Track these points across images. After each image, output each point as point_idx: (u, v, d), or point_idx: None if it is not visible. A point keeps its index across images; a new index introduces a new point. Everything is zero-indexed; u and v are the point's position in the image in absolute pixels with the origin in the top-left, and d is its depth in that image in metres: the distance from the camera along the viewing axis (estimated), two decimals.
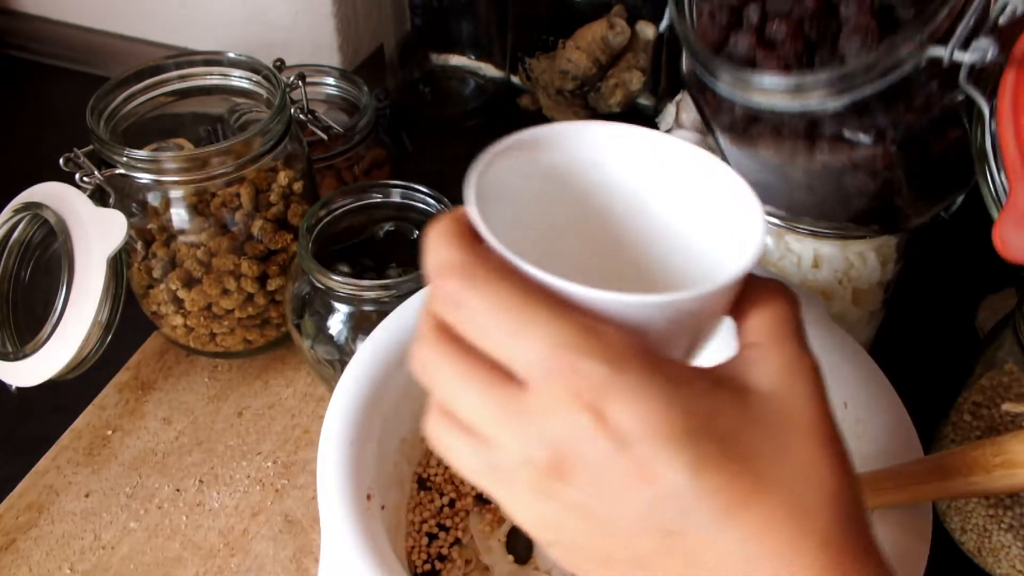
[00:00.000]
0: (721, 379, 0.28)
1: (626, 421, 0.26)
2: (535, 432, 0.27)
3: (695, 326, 0.30)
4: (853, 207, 0.45)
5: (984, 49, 0.30)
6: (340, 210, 0.58)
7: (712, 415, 0.26)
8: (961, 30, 0.30)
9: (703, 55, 0.38)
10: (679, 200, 0.34)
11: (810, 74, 0.35)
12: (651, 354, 0.26)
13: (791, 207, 0.48)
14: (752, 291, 0.30)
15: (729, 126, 0.41)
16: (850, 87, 0.34)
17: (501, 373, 0.27)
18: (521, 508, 0.28)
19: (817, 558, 0.26)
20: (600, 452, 0.26)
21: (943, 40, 0.31)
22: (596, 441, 0.26)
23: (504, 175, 0.32)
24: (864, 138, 0.36)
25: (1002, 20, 0.30)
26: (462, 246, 0.28)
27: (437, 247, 0.28)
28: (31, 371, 0.54)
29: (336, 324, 0.55)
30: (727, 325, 0.31)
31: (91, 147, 0.55)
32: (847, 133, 0.37)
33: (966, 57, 0.31)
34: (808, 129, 0.38)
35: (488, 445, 0.28)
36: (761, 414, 0.27)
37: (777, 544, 0.26)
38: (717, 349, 0.32)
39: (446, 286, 0.28)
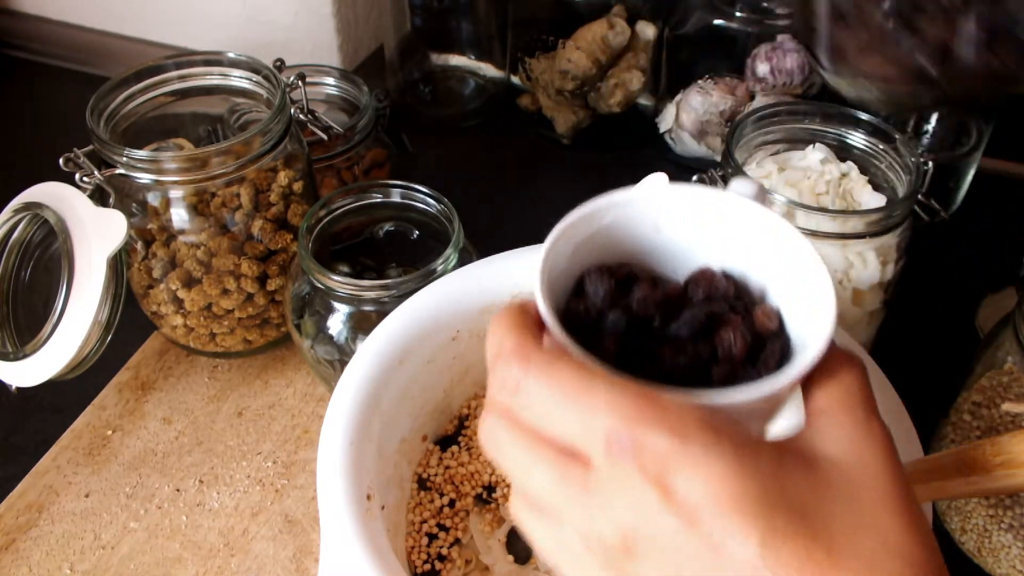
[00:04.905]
0: (788, 448, 0.27)
1: (694, 493, 0.25)
2: (603, 510, 0.26)
3: (761, 413, 0.30)
4: None
5: None
6: (340, 210, 0.58)
7: (781, 483, 0.26)
8: None
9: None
10: (739, 264, 0.34)
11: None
12: (712, 420, 0.26)
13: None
14: (820, 360, 0.29)
15: None
16: None
17: (567, 451, 0.27)
18: None
19: None
20: (669, 528, 0.25)
21: None
22: (664, 517, 0.25)
23: (564, 248, 0.32)
24: None
25: None
26: (519, 332, 0.28)
27: (495, 334, 0.29)
28: (31, 371, 0.54)
29: (336, 324, 0.55)
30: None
31: (91, 147, 0.55)
32: None
33: None
34: None
35: (559, 523, 0.28)
36: (833, 482, 0.26)
37: None
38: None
39: (503, 372, 0.28)
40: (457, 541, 0.49)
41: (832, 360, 0.29)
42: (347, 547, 0.38)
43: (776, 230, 0.32)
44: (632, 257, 0.34)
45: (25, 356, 0.54)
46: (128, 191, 0.56)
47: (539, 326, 0.29)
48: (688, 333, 0.31)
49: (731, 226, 0.33)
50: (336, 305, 0.54)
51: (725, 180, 0.54)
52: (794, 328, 0.32)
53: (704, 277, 0.33)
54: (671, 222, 0.34)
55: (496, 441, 0.28)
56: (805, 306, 0.31)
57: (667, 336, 0.31)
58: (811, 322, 0.30)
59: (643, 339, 0.31)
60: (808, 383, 0.29)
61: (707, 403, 0.27)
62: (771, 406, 0.30)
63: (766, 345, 0.31)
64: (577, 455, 0.27)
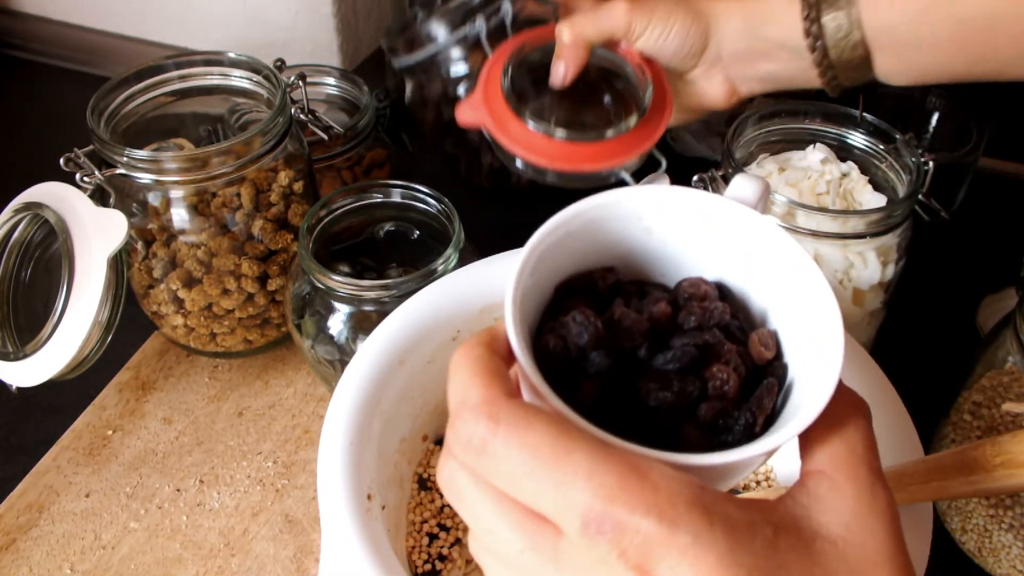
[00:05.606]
0: (784, 523, 0.25)
1: None
2: None
3: (753, 464, 0.28)
4: None
5: None
6: (340, 210, 0.58)
7: (776, 572, 0.24)
8: None
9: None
10: (738, 277, 0.32)
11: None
12: (704, 499, 0.23)
13: None
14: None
15: None
16: None
17: (536, 513, 0.25)
18: None
19: None
20: None
21: None
22: None
23: (532, 265, 0.29)
24: None
25: None
26: (486, 380, 0.25)
27: (458, 377, 0.26)
28: (31, 371, 0.54)
29: (336, 324, 0.55)
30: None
31: (91, 147, 0.55)
32: None
33: None
34: None
35: None
36: (832, 565, 0.24)
37: None
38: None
39: (468, 428, 0.25)
40: (458, 541, 0.49)
41: (836, 404, 0.26)
42: (347, 547, 0.38)
43: (780, 248, 0.30)
44: (619, 259, 0.32)
45: (25, 356, 0.54)
46: (128, 191, 0.56)
47: (508, 361, 0.27)
48: (677, 368, 0.29)
49: (730, 235, 0.31)
50: (336, 305, 0.54)
51: (726, 180, 0.54)
52: (793, 355, 0.29)
53: (697, 294, 0.31)
54: (664, 225, 0.31)
55: (457, 491, 0.26)
56: (808, 335, 0.29)
57: (653, 368, 0.29)
58: (815, 357, 0.27)
59: (626, 370, 0.29)
60: (807, 432, 0.27)
61: (697, 464, 0.25)
62: (765, 458, 0.28)
63: (761, 377, 0.29)
64: (548, 519, 0.24)
